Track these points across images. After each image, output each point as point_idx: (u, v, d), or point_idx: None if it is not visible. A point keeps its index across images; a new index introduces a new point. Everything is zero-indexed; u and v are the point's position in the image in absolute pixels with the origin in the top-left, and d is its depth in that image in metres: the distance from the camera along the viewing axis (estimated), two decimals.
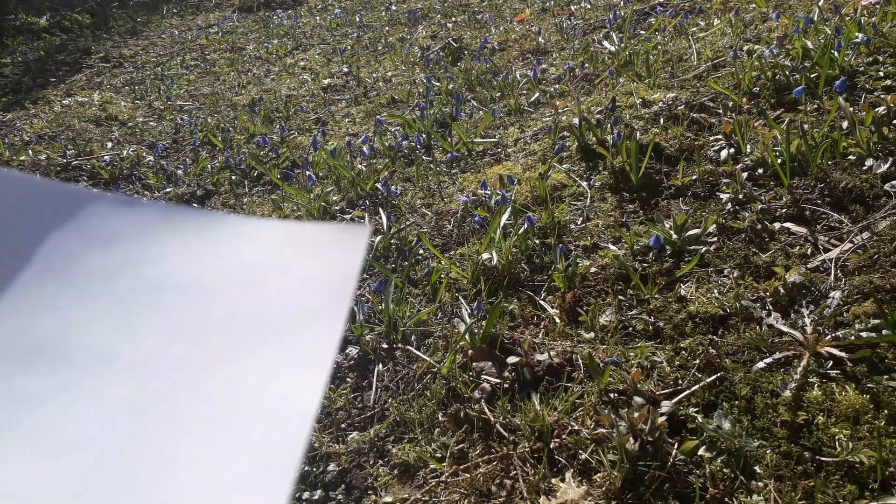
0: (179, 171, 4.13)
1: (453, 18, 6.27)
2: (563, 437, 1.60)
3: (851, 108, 2.39)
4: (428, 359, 1.96)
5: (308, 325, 0.36)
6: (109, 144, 4.92)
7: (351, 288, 0.38)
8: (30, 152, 4.79)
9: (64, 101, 6.38)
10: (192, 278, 0.39)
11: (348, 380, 2.03)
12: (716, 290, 1.91)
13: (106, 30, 9.62)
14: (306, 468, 1.76)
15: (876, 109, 2.33)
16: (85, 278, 0.38)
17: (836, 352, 1.59)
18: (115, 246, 0.40)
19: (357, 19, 7.51)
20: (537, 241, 2.34)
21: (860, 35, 2.84)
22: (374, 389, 1.96)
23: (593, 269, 2.12)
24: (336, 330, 0.36)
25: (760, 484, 1.39)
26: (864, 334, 1.60)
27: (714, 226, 2.14)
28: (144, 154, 4.62)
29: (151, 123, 5.39)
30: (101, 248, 0.40)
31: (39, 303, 0.37)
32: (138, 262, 0.39)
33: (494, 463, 1.60)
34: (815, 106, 2.65)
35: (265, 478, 0.28)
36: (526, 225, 2.35)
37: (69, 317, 0.36)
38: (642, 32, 4.17)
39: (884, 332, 1.59)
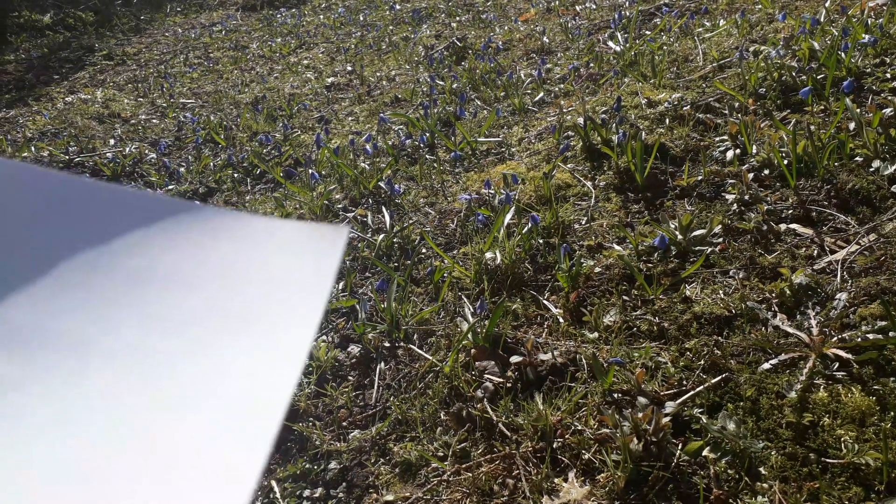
0: (182, 169, 4.12)
1: (457, 18, 6.27)
2: (567, 437, 1.59)
3: (858, 110, 2.38)
4: (430, 357, 1.95)
5: (283, 321, 0.37)
6: (112, 142, 4.92)
7: (327, 287, 0.38)
8: (32, 149, 4.79)
9: (67, 99, 6.38)
10: (170, 270, 0.39)
11: (350, 378, 2.02)
12: (721, 291, 1.90)
13: (109, 27, 9.62)
14: (307, 466, 1.75)
15: (883, 111, 2.31)
16: (62, 266, 0.38)
17: (842, 353, 1.58)
18: (94, 234, 0.40)
19: (361, 18, 7.50)
20: (541, 241, 2.33)
21: (867, 36, 2.83)
22: (375, 388, 1.95)
23: (597, 269, 2.11)
24: (311, 326, 0.36)
25: (765, 485, 1.38)
26: (870, 336, 1.58)
27: (719, 226, 2.13)
28: (147, 151, 4.62)
29: (154, 121, 5.39)
30: (80, 237, 0.40)
31: (15, 289, 0.36)
32: (117, 251, 0.39)
33: (497, 462, 1.58)
34: (822, 107, 2.64)
35: (235, 462, 0.30)
36: (530, 224, 2.34)
37: (46, 305, 0.36)
38: (648, 33, 4.16)
39: (890, 333, 1.57)
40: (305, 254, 0.41)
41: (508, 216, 2.37)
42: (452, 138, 3.41)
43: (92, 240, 0.40)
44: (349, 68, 5.51)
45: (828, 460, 1.40)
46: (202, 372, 0.34)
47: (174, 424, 0.31)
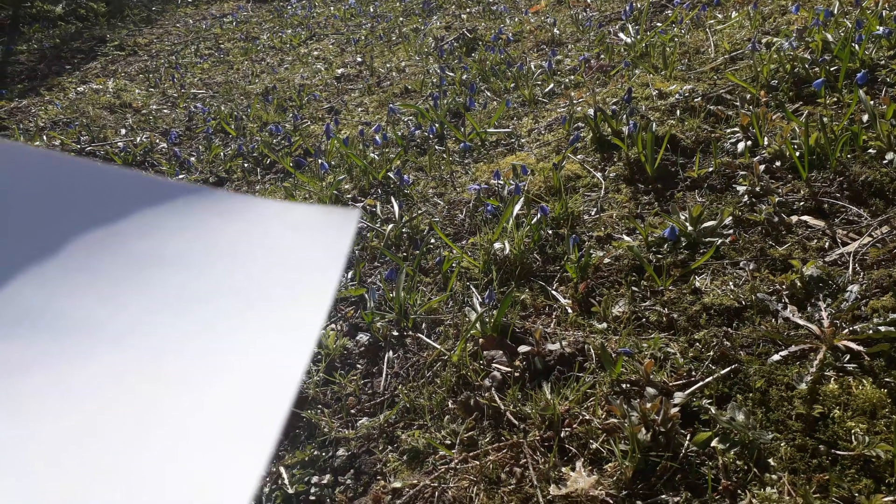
0: (192, 159, 4.13)
1: (468, 9, 6.24)
2: (574, 426, 1.59)
3: (872, 102, 2.36)
4: (438, 346, 1.96)
5: (294, 302, 0.37)
6: (123, 131, 4.93)
7: (339, 268, 0.38)
8: (44, 138, 4.81)
9: (78, 89, 6.41)
10: (178, 252, 0.39)
11: (359, 366, 2.02)
12: (731, 283, 1.89)
13: (121, 18, 9.64)
14: (316, 452, 1.75)
15: None
16: (69, 249, 0.38)
17: (853, 345, 1.57)
18: (101, 217, 0.40)
19: (371, 9, 7.48)
20: (550, 232, 2.32)
21: (881, 28, 2.80)
22: (384, 376, 1.95)
23: (607, 260, 2.11)
24: (322, 308, 0.36)
25: (774, 476, 1.37)
26: (882, 328, 1.57)
27: (730, 218, 2.12)
28: (158, 141, 4.63)
29: (165, 111, 5.40)
30: (87, 219, 0.39)
31: (22, 271, 0.36)
32: (124, 234, 0.39)
33: (504, 451, 1.59)
34: (835, 99, 2.61)
35: (245, 443, 0.29)
36: (539, 215, 2.33)
37: (54, 287, 0.36)
38: (659, 24, 4.13)
39: None
40: (315, 237, 0.40)
41: (517, 207, 2.36)
42: (462, 129, 3.41)
43: (101, 222, 0.39)
44: (359, 59, 5.50)
45: (838, 452, 1.39)
46: (210, 354, 0.34)
47: (181, 407, 0.31)
